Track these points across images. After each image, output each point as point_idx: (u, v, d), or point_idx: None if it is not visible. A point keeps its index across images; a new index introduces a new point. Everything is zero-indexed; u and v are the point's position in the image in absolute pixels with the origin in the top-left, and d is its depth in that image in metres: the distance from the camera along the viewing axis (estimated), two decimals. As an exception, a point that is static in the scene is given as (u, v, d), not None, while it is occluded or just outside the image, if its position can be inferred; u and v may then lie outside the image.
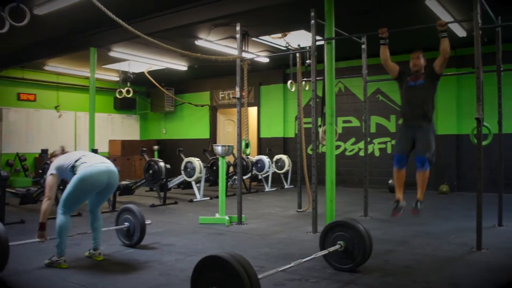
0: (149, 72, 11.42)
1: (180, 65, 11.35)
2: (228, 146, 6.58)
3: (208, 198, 9.15)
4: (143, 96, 14.26)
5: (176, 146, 13.77)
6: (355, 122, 11.17)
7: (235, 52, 9.62)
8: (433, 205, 8.09)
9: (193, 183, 9.06)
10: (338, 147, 11.35)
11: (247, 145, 6.69)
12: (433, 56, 5.14)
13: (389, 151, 10.73)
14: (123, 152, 12.69)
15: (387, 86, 10.53)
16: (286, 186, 11.37)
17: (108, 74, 12.13)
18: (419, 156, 4.96)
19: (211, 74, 13.07)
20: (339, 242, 3.88)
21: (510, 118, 9.08)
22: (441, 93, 10.07)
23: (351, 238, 3.86)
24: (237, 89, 6.45)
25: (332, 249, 3.79)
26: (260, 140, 12.79)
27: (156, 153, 13.52)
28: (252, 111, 13.65)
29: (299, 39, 8.82)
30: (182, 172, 9.01)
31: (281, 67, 12.07)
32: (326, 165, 5.89)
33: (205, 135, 13.75)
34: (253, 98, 12.75)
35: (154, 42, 5.33)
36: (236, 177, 10.36)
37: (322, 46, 6.00)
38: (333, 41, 5.85)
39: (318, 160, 9.52)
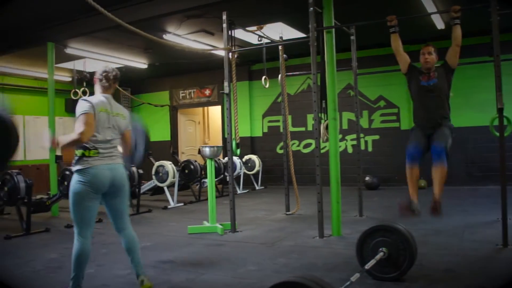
0: (105, 71, 10.55)
1: (140, 63, 10.58)
2: (217, 147, 6.02)
3: (182, 204, 8.50)
4: (96, 97, 13.28)
5: (134, 149, 12.95)
6: (326, 119, 10.87)
7: (204, 47, 9.08)
8: (419, 201, 7.89)
9: (166, 188, 8.38)
10: (309, 144, 11.04)
11: (237, 145, 6.14)
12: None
13: (362, 147, 10.52)
14: (78, 159, 11.65)
15: (359, 81, 10.28)
16: (257, 188, 10.89)
17: (60, 74, 11.09)
18: (436, 146, 4.33)
19: (171, 72, 12.36)
20: (381, 249, 3.46)
21: (482, 111, 9.12)
22: (395, 87, 10.02)
23: (395, 244, 3.45)
24: (226, 84, 5.89)
25: (378, 257, 3.35)
26: (225, 140, 12.18)
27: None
28: (216, 110, 13.10)
29: (273, 32, 8.37)
30: (153, 177, 8.31)
31: (247, 63, 11.57)
32: (330, 163, 5.52)
33: (165, 136, 12.99)
34: (217, 97, 12.17)
35: (138, 33, 4.65)
36: (205, 180, 9.80)
37: (301, 38, 5.53)
38: (333, 30, 5.44)
39: (298, 159, 9.13)
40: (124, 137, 3.54)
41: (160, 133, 13.01)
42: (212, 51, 9.29)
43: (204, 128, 14.14)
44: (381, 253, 3.42)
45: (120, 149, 3.48)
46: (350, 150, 10.58)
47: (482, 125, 9.12)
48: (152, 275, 3.95)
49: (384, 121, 10.31)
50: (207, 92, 12.33)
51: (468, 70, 7.98)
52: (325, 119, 5.58)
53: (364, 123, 10.47)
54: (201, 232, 5.75)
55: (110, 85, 3.50)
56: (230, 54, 5.92)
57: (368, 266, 3.21)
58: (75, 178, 3.25)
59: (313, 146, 10.97)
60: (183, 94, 12.70)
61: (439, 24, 7.91)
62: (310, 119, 11.03)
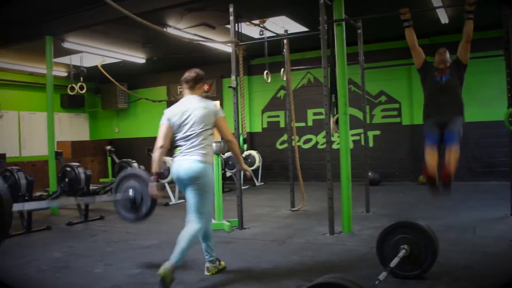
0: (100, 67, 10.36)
1: (138, 58, 10.40)
2: (224, 142, 5.88)
3: (183, 200, 8.34)
4: (91, 93, 13.08)
5: (130, 145, 12.79)
6: (326, 114, 10.78)
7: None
8: (424, 197, 7.85)
9: (167, 184, 8.25)
10: (309, 140, 10.95)
11: (244, 141, 6.02)
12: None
13: (362, 143, 10.44)
14: (74, 154, 11.50)
15: (359, 76, 10.21)
16: (257, 184, 10.77)
17: (55, 69, 10.85)
18: (449, 132, 4.42)
19: (168, 67, 12.15)
20: (402, 246, 3.37)
21: (485, 107, 9.09)
22: (397, 82, 9.99)
23: (416, 241, 3.36)
24: (233, 77, 5.76)
25: (401, 255, 3.26)
26: (224, 136, 12.06)
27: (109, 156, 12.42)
28: (214, 105, 12.94)
29: (274, 26, 8.25)
30: (154, 173, 8.15)
31: (246, 58, 11.41)
32: (340, 159, 5.42)
33: (162, 132, 12.81)
34: (215, 91, 12.02)
35: (147, 25, 4.51)
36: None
37: (308, 32, 5.39)
38: (343, 23, 5.33)
39: (299, 155, 9.03)
40: (217, 126, 3.75)
41: (156, 129, 12.76)
42: (219, 44, 9.15)
43: (201, 123, 13.98)
44: (403, 251, 3.33)
45: (207, 141, 3.64)
46: (351, 145, 10.48)
47: (484, 120, 9.10)
48: (164, 274, 3.84)
49: (385, 116, 10.23)
50: (206, 87, 12.16)
51: (471, 65, 7.90)
52: (335, 113, 5.49)
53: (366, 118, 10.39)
54: (207, 229, 5.63)
55: (192, 86, 3.81)
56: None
57: (393, 264, 3.11)
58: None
59: (313, 142, 10.90)
60: (181, 89, 12.51)
61: (443, 18, 7.82)
62: (310, 114, 10.95)
